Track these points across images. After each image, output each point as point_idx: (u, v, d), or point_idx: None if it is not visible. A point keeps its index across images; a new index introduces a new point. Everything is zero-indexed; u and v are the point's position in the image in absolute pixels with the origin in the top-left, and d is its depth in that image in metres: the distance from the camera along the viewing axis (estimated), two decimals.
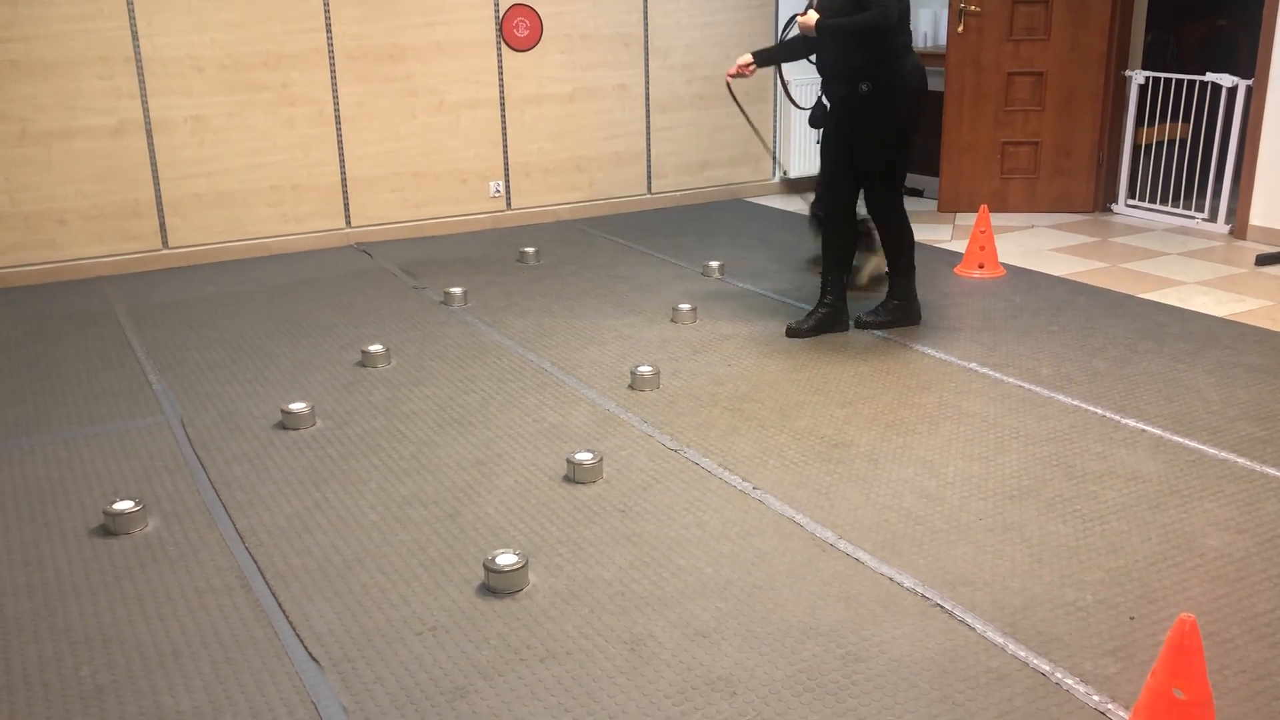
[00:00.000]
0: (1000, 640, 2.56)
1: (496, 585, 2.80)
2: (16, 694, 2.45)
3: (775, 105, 7.72)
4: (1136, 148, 6.98)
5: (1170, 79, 6.68)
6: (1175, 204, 6.80)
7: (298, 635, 2.64)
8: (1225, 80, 6.33)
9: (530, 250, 6.13)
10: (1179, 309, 5.04)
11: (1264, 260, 5.77)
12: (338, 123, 6.43)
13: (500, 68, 6.80)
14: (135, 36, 5.85)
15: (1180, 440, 3.64)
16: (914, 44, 7.54)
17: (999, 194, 7.06)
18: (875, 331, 4.78)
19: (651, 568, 2.91)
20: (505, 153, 6.95)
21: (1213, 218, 6.53)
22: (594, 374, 4.36)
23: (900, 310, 4.80)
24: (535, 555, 2.98)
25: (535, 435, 3.78)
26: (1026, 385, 4.14)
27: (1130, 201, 7.00)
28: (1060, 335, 4.70)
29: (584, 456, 3.44)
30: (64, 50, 5.71)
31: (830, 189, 4.73)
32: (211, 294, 5.62)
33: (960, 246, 6.17)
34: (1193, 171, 6.76)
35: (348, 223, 6.60)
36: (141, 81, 5.91)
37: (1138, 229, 6.64)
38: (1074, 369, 4.30)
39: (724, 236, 6.63)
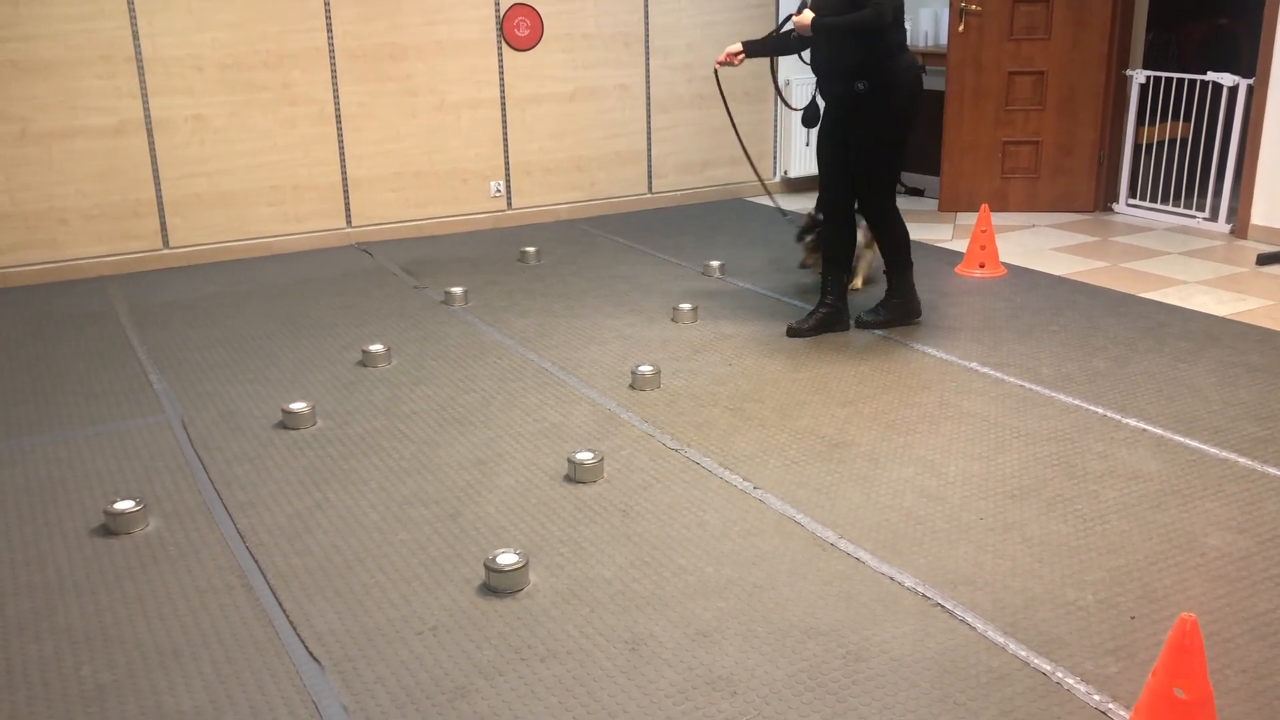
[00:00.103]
0: (1001, 640, 2.56)
1: (497, 585, 2.80)
2: (18, 693, 2.45)
3: (775, 106, 7.72)
4: (1137, 147, 6.98)
5: (1171, 78, 6.67)
6: (1176, 203, 6.79)
7: (298, 635, 2.64)
8: (1226, 80, 6.33)
9: (531, 250, 6.13)
10: (1180, 308, 5.04)
11: (1265, 260, 5.76)
12: (338, 122, 6.43)
13: (501, 67, 6.80)
14: (136, 36, 5.86)
15: (1181, 440, 3.63)
16: (915, 43, 7.63)
17: (1000, 193, 7.06)
18: (876, 330, 4.78)
19: (652, 567, 2.91)
20: (506, 152, 6.95)
21: (1214, 217, 6.53)
22: (595, 373, 4.36)
23: (900, 308, 4.79)
24: (536, 555, 2.98)
25: (536, 435, 3.78)
26: (1027, 385, 4.14)
27: (1131, 201, 7.00)
28: (1061, 335, 4.69)
29: (585, 456, 3.44)
30: (65, 50, 5.71)
31: (827, 188, 4.73)
32: (212, 294, 5.62)
33: (961, 246, 6.17)
34: (1194, 171, 6.75)
35: (348, 222, 6.60)
36: (142, 81, 5.91)
37: (1139, 228, 6.64)
38: (1075, 368, 4.29)
39: (724, 236, 6.63)
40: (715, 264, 5.78)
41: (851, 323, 4.81)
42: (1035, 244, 6.30)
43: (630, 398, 4.10)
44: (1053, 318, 4.92)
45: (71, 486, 3.47)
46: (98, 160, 5.89)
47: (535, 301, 5.36)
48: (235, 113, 6.15)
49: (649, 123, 7.37)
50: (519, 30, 6.78)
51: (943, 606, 2.70)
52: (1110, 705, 2.33)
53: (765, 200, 7.64)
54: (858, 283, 5.28)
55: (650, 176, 7.48)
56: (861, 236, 5.04)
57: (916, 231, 6.48)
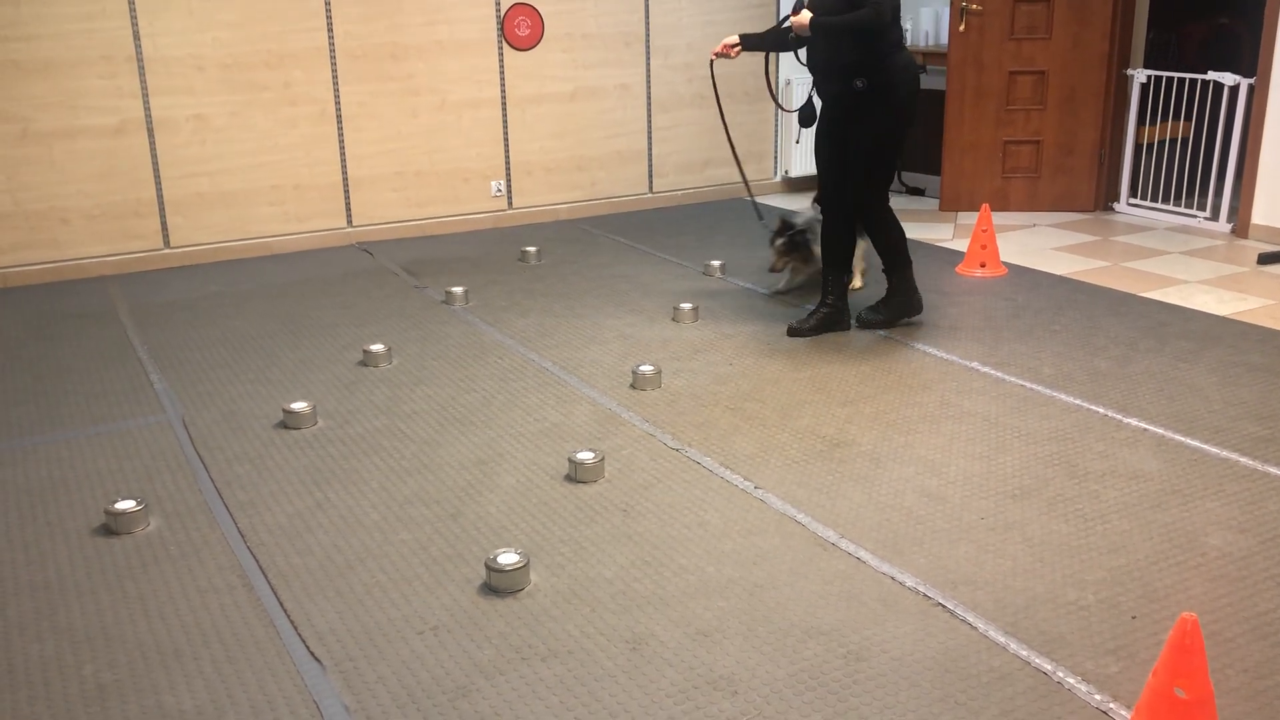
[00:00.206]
0: (1002, 639, 2.56)
1: (498, 584, 2.80)
2: (19, 693, 2.45)
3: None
4: (1138, 147, 6.98)
5: (1172, 78, 6.67)
6: (1177, 203, 6.79)
7: (299, 634, 2.64)
8: (1227, 79, 6.32)
9: (531, 249, 6.13)
10: (1181, 308, 5.04)
11: (1266, 259, 5.76)
12: (339, 122, 6.43)
13: (501, 67, 6.80)
14: (137, 36, 5.86)
15: (1182, 439, 3.63)
16: (916, 43, 7.63)
17: (1000, 193, 7.06)
18: (877, 330, 4.77)
19: (653, 567, 2.91)
20: (506, 152, 6.95)
21: (1214, 216, 6.53)
22: (595, 373, 4.36)
23: (901, 305, 4.79)
24: (537, 554, 2.98)
25: (537, 434, 3.78)
26: (1028, 384, 4.14)
27: (1132, 200, 7.00)
28: (1062, 334, 4.69)
29: (585, 456, 3.44)
30: (66, 50, 5.71)
31: (826, 188, 4.73)
32: (213, 293, 5.62)
33: (962, 245, 6.17)
34: (1194, 170, 6.75)
35: (349, 222, 6.61)
36: (143, 81, 5.91)
37: (1139, 228, 6.64)
38: (1075, 368, 4.29)
39: (725, 236, 6.63)
40: (716, 264, 5.78)
41: (853, 322, 4.81)
42: (1036, 243, 6.29)
43: (631, 397, 4.10)
44: (1053, 317, 4.92)
45: (72, 486, 3.47)
46: (99, 160, 5.90)
47: (536, 301, 5.36)
48: (236, 112, 6.15)
49: (650, 122, 7.37)
50: (519, 30, 6.79)
51: (944, 606, 2.70)
52: (1111, 705, 2.33)
53: (765, 200, 7.64)
54: (857, 282, 5.28)
55: (651, 176, 7.48)
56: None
57: (918, 231, 6.50)
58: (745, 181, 5.44)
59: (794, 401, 4.02)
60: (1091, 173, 6.99)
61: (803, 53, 4.60)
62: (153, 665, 2.54)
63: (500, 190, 6.98)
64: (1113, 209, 7.07)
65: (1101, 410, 3.88)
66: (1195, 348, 4.50)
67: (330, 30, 6.29)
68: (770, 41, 4.79)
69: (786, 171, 7.88)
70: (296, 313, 5.26)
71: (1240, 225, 6.31)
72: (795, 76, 7.36)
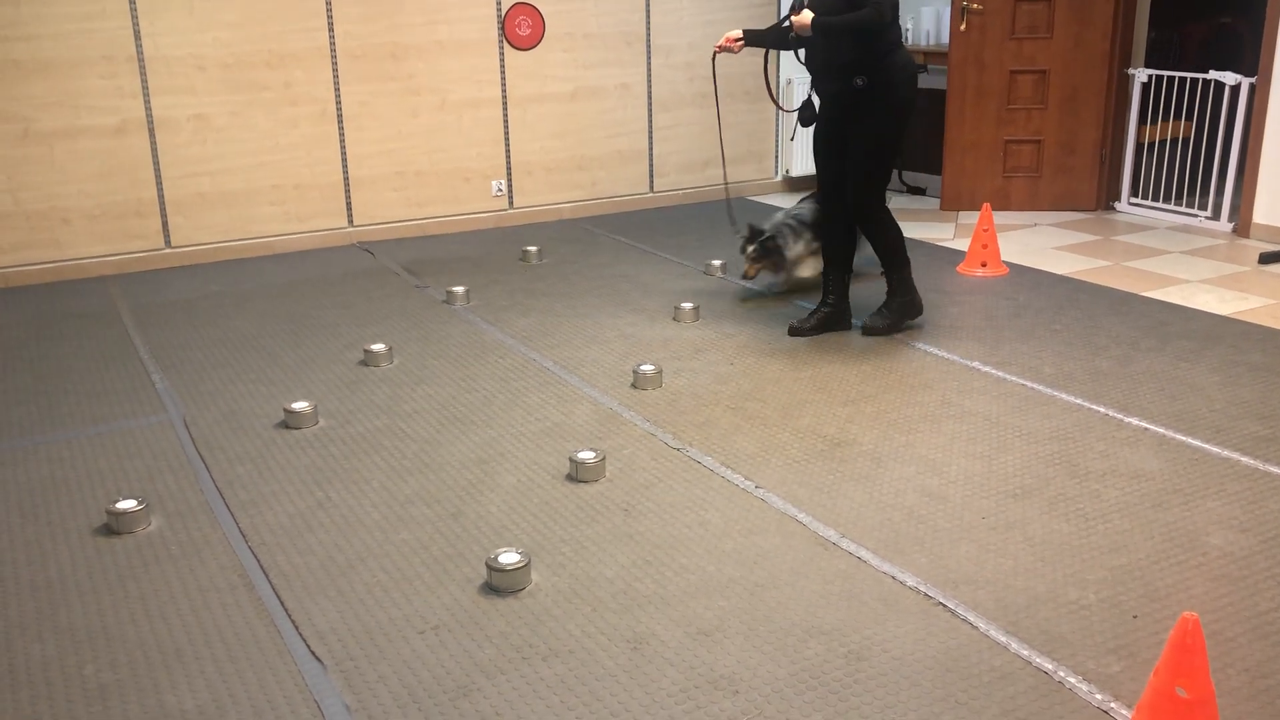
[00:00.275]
0: (1003, 639, 2.56)
1: (499, 584, 2.80)
2: (20, 692, 2.45)
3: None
4: (1139, 146, 6.98)
5: (1173, 77, 6.67)
6: (1178, 202, 6.79)
7: (300, 634, 2.65)
8: (1228, 78, 6.32)
9: (532, 249, 6.13)
10: (1182, 307, 5.03)
11: (1267, 258, 5.76)
12: (340, 122, 6.43)
13: (502, 66, 6.80)
14: (138, 36, 5.86)
15: (1183, 439, 3.63)
16: (917, 42, 7.63)
17: (1001, 192, 7.05)
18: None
19: (654, 566, 2.91)
20: (507, 151, 6.95)
21: (1216, 216, 6.53)
22: (596, 373, 4.36)
23: (903, 307, 4.78)
24: (537, 554, 2.98)
25: (537, 434, 3.78)
26: (1029, 384, 4.14)
27: (1133, 200, 6.99)
28: (1063, 334, 4.69)
29: (586, 455, 3.44)
30: (67, 50, 5.71)
31: (825, 187, 4.73)
32: (214, 293, 5.62)
33: (963, 245, 6.17)
34: (1196, 170, 6.75)
35: (350, 222, 6.61)
36: (144, 81, 5.92)
37: (1141, 227, 6.64)
38: (1076, 367, 4.29)
39: (726, 235, 6.62)
40: (717, 263, 5.78)
41: (854, 324, 4.81)
42: (1037, 243, 6.29)
43: (632, 397, 4.10)
44: (1054, 317, 4.92)
45: (74, 486, 3.47)
46: (100, 160, 5.90)
47: (537, 301, 5.36)
48: (237, 112, 6.15)
49: (650, 122, 7.37)
50: (520, 29, 6.78)
51: (945, 605, 2.70)
52: (1112, 704, 2.33)
53: (765, 199, 7.64)
54: (806, 272, 5.27)
55: (652, 175, 7.48)
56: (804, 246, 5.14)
57: (919, 231, 6.50)
58: (726, 184, 5.50)
59: (795, 401, 4.02)
60: (1093, 172, 6.99)
61: (802, 52, 4.60)
62: (154, 665, 2.54)
63: (501, 190, 6.98)
64: (1114, 208, 7.06)
65: (1103, 409, 3.88)
66: (1196, 347, 4.50)
67: (331, 30, 6.29)
68: (772, 39, 4.79)
69: (788, 170, 7.88)
70: (297, 312, 5.26)
71: (1241, 225, 6.30)
72: (795, 76, 7.35)
